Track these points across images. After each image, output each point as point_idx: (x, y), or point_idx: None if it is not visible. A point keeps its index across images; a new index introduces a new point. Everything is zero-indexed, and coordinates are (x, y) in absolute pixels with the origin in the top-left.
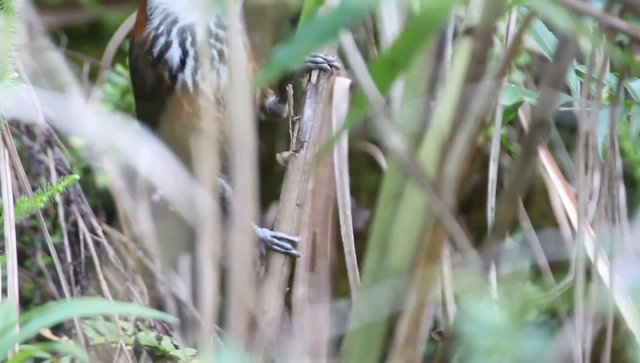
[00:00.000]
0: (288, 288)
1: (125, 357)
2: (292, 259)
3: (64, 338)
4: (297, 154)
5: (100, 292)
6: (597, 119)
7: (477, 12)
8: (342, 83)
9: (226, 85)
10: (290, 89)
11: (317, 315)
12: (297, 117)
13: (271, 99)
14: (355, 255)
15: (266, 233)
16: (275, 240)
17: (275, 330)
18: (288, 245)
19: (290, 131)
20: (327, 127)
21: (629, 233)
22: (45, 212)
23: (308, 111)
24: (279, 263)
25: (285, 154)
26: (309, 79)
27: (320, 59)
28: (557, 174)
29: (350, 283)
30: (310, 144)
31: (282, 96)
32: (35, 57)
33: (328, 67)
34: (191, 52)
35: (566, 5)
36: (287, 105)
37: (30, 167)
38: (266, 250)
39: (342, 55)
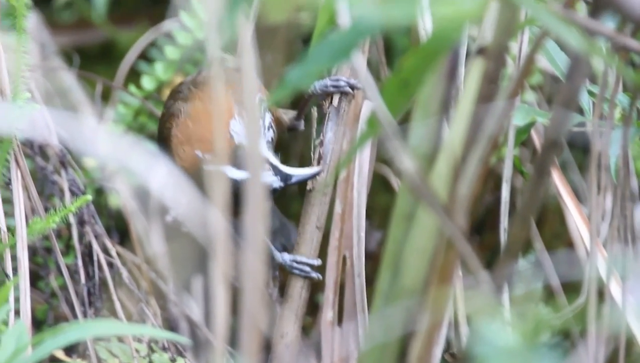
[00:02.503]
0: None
1: None
2: (312, 282)
3: (77, 359)
4: (317, 176)
5: (113, 313)
6: (610, 139)
7: (489, 32)
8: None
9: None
10: (313, 110)
11: (346, 337)
12: (319, 139)
13: (290, 115)
14: (364, 277)
15: (285, 257)
16: (295, 264)
17: (294, 353)
18: (308, 269)
19: (312, 153)
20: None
21: None
22: (59, 233)
23: (329, 134)
24: (298, 286)
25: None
26: (331, 102)
27: (342, 83)
28: (569, 195)
29: (357, 306)
30: (330, 166)
31: (299, 113)
32: (47, 77)
33: (350, 90)
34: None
35: (578, 25)
36: (303, 121)
37: (44, 187)
38: (281, 271)
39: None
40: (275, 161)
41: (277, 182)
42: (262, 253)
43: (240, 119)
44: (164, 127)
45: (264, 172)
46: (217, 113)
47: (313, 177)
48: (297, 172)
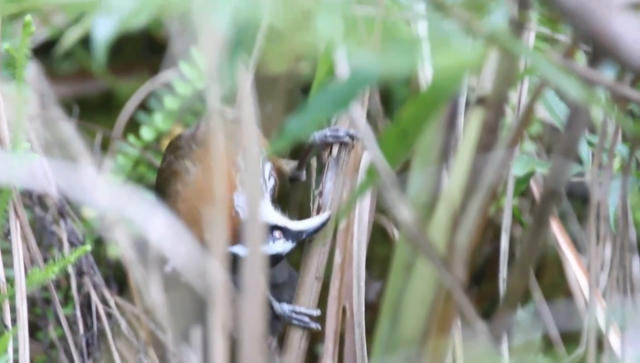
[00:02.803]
0: None
1: None
2: (311, 332)
3: None
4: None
5: None
6: (609, 189)
7: (489, 81)
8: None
9: None
10: (313, 160)
11: None
12: (318, 189)
13: (291, 165)
14: (364, 327)
15: (284, 308)
16: (294, 315)
17: None
18: (307, 319)
19: (311, 204)
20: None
21: None
22: (58, 284)
23: (328, 184)
24: (297, 337)
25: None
26: (330, 152)
27: (341, 133)
28: (568, 245)
29: (357, 356)
30: (330, 216)
31: (300, 163)
32: (47, 127)
33: (350, 140)
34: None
35: (578, 75)
36: (305, 171)
37: (43, 238)
38: (280, 321)
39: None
40: (283, 221)
41: (288, 246)
42: (261, 304)
43: (243, 191)
44: (165, 184)
45: (274, 242)
46: (218, 194)
47: (324, 225)
48: (307, 226)
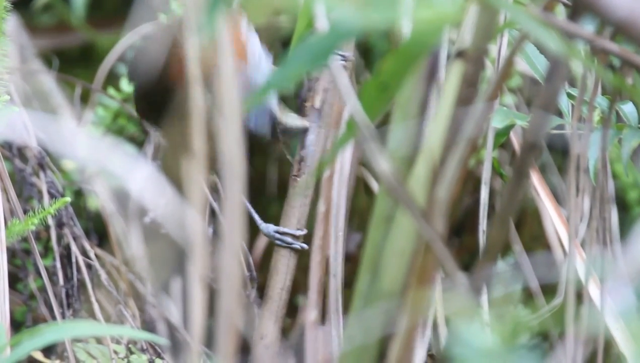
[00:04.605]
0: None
1: None
2: (292, 284)
3: (56, 360)
4: (298, 178)
5: (92, 315)
6: (589, 141)
7: (468, 35)
8: None
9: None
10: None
11: (329, 338)
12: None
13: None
14: (341, 277)
15: (270, 228)
16: (278, 235)
17: (273, 354)
18: (290, 239)
19: (291, 155)
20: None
21: (620, 255)
22: (37, 235)
23: (311, 135)
24: (277, 287)
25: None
26: (313, 104)
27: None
28: (548, 197)
29: (332, 306)
30: (312, 167)
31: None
32: (27, 79)
33: (344, 62)
34: None
35: (558, 28)
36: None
37: (22, 190)
38: (258, 272)
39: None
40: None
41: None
42: (239, 254)
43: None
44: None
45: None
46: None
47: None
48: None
